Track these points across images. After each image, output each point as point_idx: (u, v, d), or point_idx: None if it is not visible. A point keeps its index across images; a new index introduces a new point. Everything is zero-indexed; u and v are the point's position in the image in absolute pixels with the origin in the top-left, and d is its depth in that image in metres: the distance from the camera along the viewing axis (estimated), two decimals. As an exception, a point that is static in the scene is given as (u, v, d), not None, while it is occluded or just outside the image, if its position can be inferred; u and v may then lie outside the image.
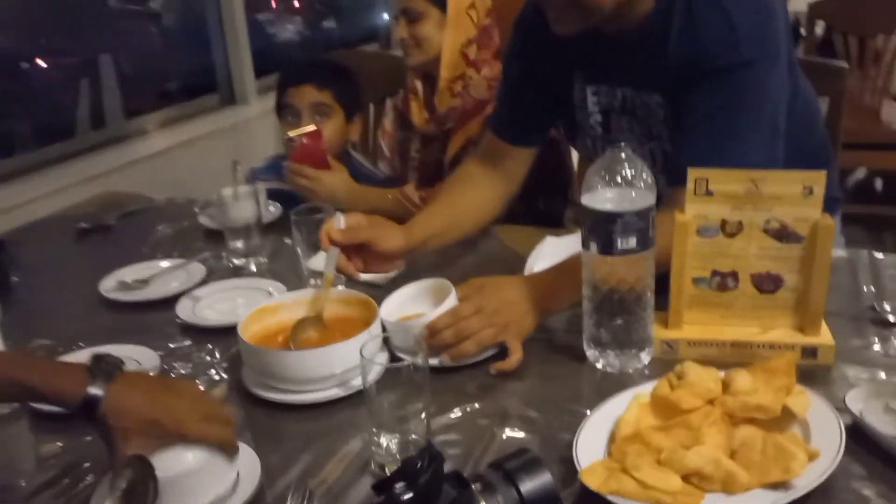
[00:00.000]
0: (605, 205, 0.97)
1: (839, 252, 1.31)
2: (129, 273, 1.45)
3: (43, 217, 1.86)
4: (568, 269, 1.11)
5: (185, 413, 0.82)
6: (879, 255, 1.33)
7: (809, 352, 1.03)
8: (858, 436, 0.87)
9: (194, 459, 0.83)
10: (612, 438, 0.87)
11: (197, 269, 1.45)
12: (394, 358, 1.05)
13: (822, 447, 0.82)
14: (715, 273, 1.05)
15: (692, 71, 1.12)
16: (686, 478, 0.80)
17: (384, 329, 1.08)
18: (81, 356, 1.16)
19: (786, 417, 0.86)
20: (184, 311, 1.29)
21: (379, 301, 1.12)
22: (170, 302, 1.33)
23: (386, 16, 4.00)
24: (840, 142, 1.63)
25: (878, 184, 3.62)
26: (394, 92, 1.96)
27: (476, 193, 1.38)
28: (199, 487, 0.83)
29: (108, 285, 1.41)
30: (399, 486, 0.70)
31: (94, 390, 0.79)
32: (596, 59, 1.25)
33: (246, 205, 1.47)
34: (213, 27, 3.00)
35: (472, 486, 0.73)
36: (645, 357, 1.05)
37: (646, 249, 0.98)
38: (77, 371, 0.81)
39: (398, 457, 0.89)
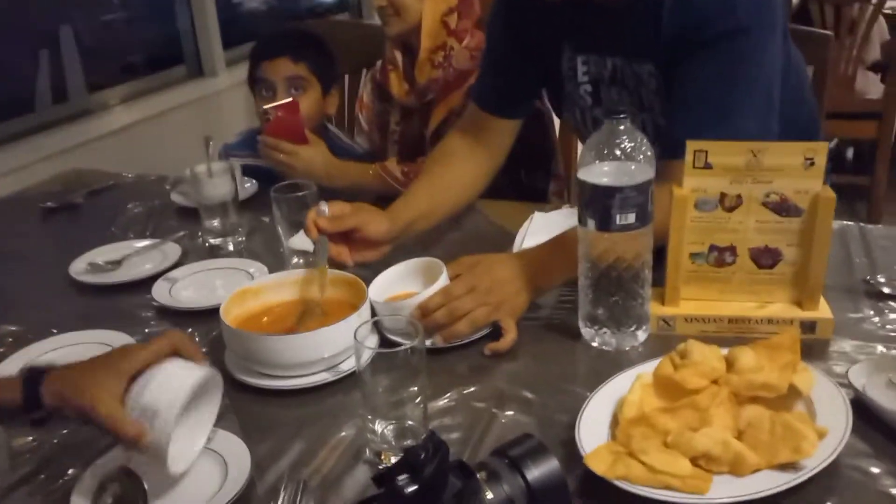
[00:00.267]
0: (603, 179, 0.94)
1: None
2: (100, 254, 1.39)
3: (5, 196, 1.78)
4: (562, 245, 1.08)
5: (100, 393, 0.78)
6: (869, 227, 1.32)
7: (808, 326, 1.01)
8: (861, 411, 0.85)
9: (183, 464, 0.79)
10: (614, 420, 0.85)
11: (172, 250, 1.39)
12: (383, 340, 1.02)
13: (829, 425, 0.81)
14: (713, 248, 1.02)
15: (687, 39, 1.09)
16: (693, 460, 0.78)
17: (373, 310, 1.04)
18: (55, 343, 1.11)
19: (791, 395, 0.84)
20: (160, 293, 1.24)
21: (366, 281, 1.08)
22: (144, 284, 1.28)
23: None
24: (823, 111, 1.62)
25: (850, 153, 3.65)
26: (370, 63, 1.90)
27: (460, 170, 1.34)
28: (188, 492, 0.79)
29: (78, 268, 1.35)
30: (402, 478, 0.67)
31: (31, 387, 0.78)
32: (585, 27, 1.21)
33: (221, 182, 1.41)
34: (179, -4, 2.90)
35: (477, 476, 0.70)
36: (641, 335, 1.03)
37: (645, 225, 0.95)
38: (12, 380, 0.81)
39: (394, 443, 0.86)
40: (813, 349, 0.99)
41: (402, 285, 1.11)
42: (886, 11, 3.25)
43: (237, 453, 0.86)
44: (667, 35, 1.11)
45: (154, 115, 2.64)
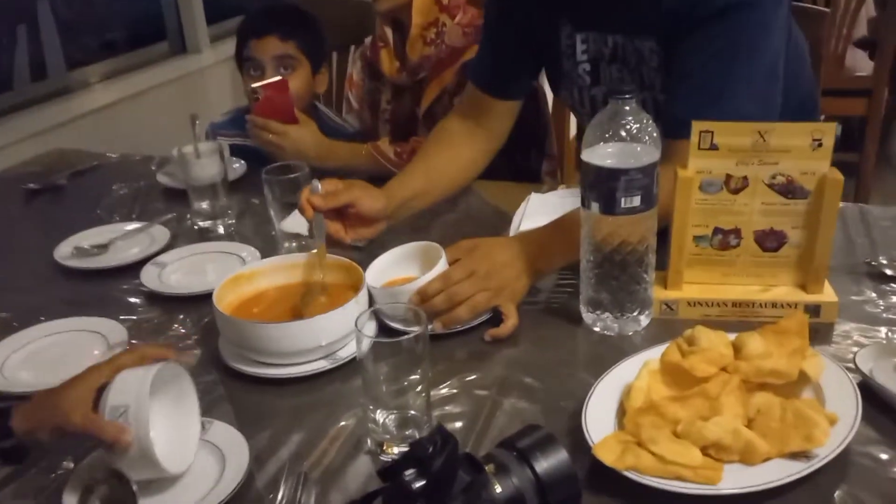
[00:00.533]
0: (608, 161, 0.91)
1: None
2: (86, 238, 1.35)
3: (-15, 177, 1.74)
4: (562, 228, 1.06)
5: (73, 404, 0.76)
6: (869, 207, 1.31)
7: (812, 310, 1.00)
8: (868, 396, 0.84)
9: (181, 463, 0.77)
10: (621, 408, 0.83)
11: (160, 233, 1.36)
12: (381, 326, 0.99)
13: (838, 411, 0.79)
14: (717, 231, 1.01)
15: (691, 12, 1.06)
16: (703, 449, 0.76)
17: (370, 295, 1.02)
18: (44, 330, 1.08)
19: (800, 381, 0.83)
20: (149, 278, 1.21)
21: (362, 266, 1.05)
22: (132, 269, 1.24)
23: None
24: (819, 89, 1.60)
25: (837, 130, 3.64)
26: (358, 39, 1.86)
27: (457, 151, 1.31)
28: (187, 486, 0.78)
29: (64, 252, 1.31)
30: (409, 473, 0.65)
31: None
32: (585, 4, 1.18)
33: (209, 162, 1.38)
34: (159, -30, 2.83)
35: (486, 469, 0.68)
36: (644, 319, 1.01)
37: (650, 208, 0.93)
38: None
39: (396, 433, 0.84)
40: (817, 333, 0.97)
41: (399, 270, 1.08)
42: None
43: (235, 445, 0.83)
44: (670, 9, 1.08)
45: (137, 93, 2.58)
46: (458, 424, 0.87)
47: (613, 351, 0.96)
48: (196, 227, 1.38)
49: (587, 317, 1.02)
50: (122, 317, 1.12)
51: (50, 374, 0.98)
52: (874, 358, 0.89)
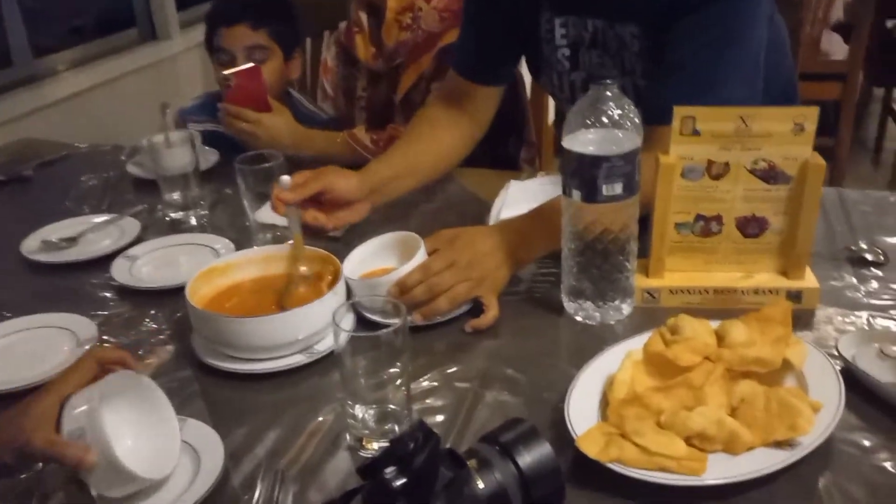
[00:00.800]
0: (589, 148, 0.90)
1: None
2: (54, 231, 1.32)
3: (-52, 169, 1.68)
4: (543, 216, 1.04)
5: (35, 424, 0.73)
6: (847, 191, 1.31)
7: (794, 296, 0.99)
8: (851, 383, 0.83)
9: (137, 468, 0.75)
10: (604, 400, 0.82)
11: (130, 225, 1.32)
12: (359, 318, 0.97)
13: (821, 398, 0.79)
14: (699, 217, 1.00)
15: (678, 2, 1.04)
16: (687, 439, 0.75)
17: (348, 287, 1.00)
18: (9, 327, 1.05)
19: (783, 369, 0.82)
20: (119, 272, 1.18)
21: (339, 256, 1.03)
22: (102, 262, 1.21)
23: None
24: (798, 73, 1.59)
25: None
26: (332, 24, 1.82)
27: (438, 136, 1.29)
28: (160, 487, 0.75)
29: (31, 245, 1.27)
30: (389, 470, 0.63)
31: None
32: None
33: (181, 151, 1.34)
34: (127, -46, 2.76)
35: (468, 464, 0.67)
36: (626, 308, 1.00)
37: (632, 195, 0.92)
38: None
39: (376, 428, 0.82)
40: (799, 319, 0.97)
41: (377, 261, 1.06)
42: (850, -29, 3.23)
43: (209, 443, 0.81)
44: None
45: (106, 81, 2.52)
46: (440, 418, 0.86)
47: (596, 340, 0.95)
48: (168, 219, 1.35)
49: (569, 306, 1.01)
50: (91, 312, 1.08)
51: (17, 373, 0.95)
52: (856, 344, 0.88)
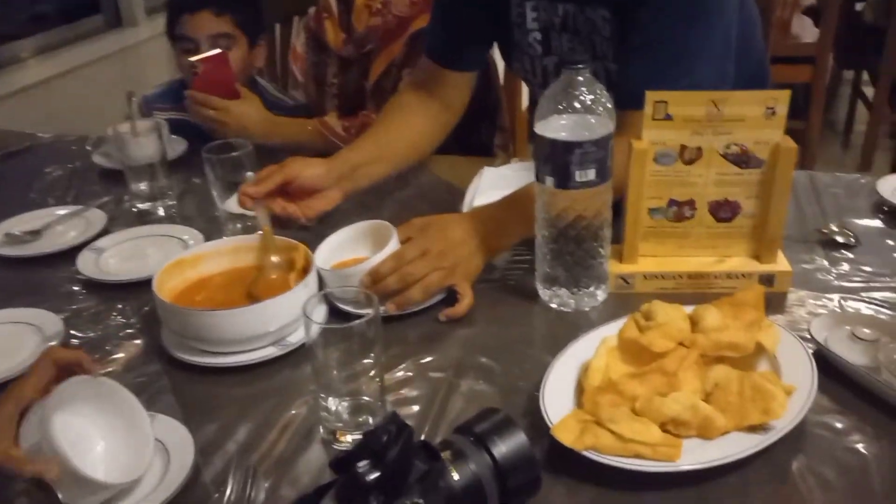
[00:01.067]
0: (561, 133, 0.89)
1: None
2: (17, 223, 1.28)
3: None
4: (516, 203, 1.03)
5: None
6: (818, 174, 1.31)
7: (766, 279, 0.99)
8: (823, 366, 0.84)
9: (109, 465, 0.73)
10: (579, 387, 0.81)
11: (96, 217, 1.29)
12: (332, 308, 0.96)
13: (794, 381, 0.79)
14: (672, 202, 0.99)
15: None
16: (661, 425, 0.75)
17: (320, 278, 0.98)
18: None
19: (756, 353, 0.83)
20: (85, 265, 1.15)
21: (310, 246, 1.01)
22: (68, 255, 1.18)
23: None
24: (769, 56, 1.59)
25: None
26: (302, 10, 1.80)
27: (411, 122, 1.27)
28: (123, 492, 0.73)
29: (-6, 239, 1.24)
30: (362, 464, 0.62)
31: None
32: (536, -29, 1.15)
33: (147, 141, 1.31)
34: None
35: (442, 456, 0.66)
36: (601, 294, 0.99)
37: (605, 181, 0.91)
38: None
39: (349, 420, 0.81)
40: (771, 302, 0.97)
41: (349, 251, 1.05)
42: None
43: (178, 439, 0.79)
44: None
45: (70, 70, 2.47)
46: (414, 409, 0.85)
47: (570, 328, 0.94)
48: (135, 210, 1.32)
49: (543, 293, 1.00)
50: (57, 307, 1.06)
51: (-20, 371, 0.92)
52: (828, 327, 0.89)
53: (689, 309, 0.87)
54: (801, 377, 0.80)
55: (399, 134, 1.26)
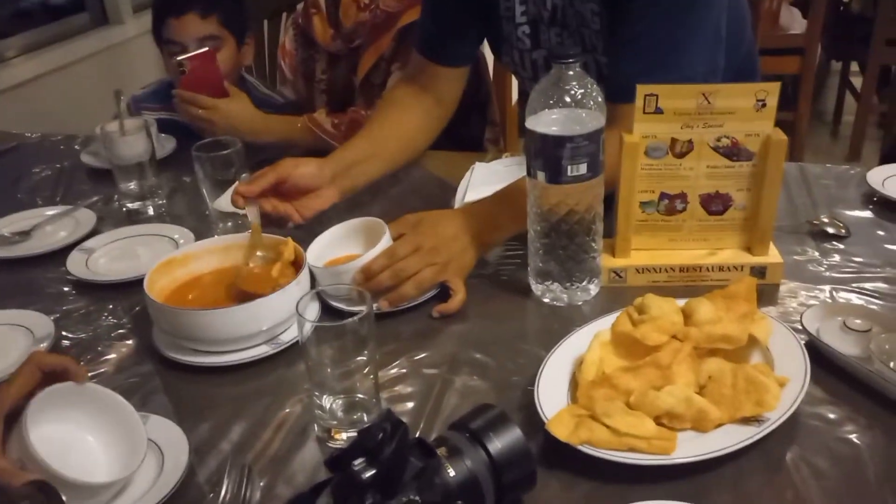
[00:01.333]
0: (552, 128, 0.89)
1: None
2: (6, 224, 1.28)
3: None
4: (508, 198, 1.03)
5: None
6: (809, 166, 1.32)
7: (758, 271, 1.00)
8: (816, 357, 0.84)
9: (110, 464, 0.73)
10: (574, 381, 0.81)
11: (86, 216, 1.29)
12: (325, 306, 0.96)
13: (787, 373, 0.79)
14: (663, 196, 0.99)
15: None
16: (656, 418, 0.75)
17: (312, 275, 0.98)
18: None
19: (749, 345, 0.83)
20: (75, 265, 1.14)
21: (302, 244, 1.01)
22: (58, 256, 1.18)
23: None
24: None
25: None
26: (290, 5, 1.79)
27: (404, 119, 1.27)
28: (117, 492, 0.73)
29: (-18, 240, 1.23)
30: (358, 462, 0.62)
31: None
32: (523, -35, 1.15)
33: (136, 140, 1.30)
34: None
35: (438, 453, 0.66)
36: (593, 288, 0.99)
37: (596, 175, 0.91)
38: None
39: (344, 418, 0.81)
40: (763, 294, 0.97)
41: (341, 248, 1.04)
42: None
43: (173, 439, 0.79)
44: None
45: (56, 68, 2.44)
46: (409, 405, 0.85)
47: (564, 322, 0.94)
48: (124, 209, 1.32)
49: (536, 288, 1.00)
50: (48, 308, 1.05)
51: (-30, 374, 0.92)
52: (820, 318, 0.89)
53: (681, 302, 0.87)
54: (793, 368, 0.80)
55: (393, 131, 1.25)
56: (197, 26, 1.53)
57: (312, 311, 0.93)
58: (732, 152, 0.96)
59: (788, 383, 0.78)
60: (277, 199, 1.07)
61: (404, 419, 0.73)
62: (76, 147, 1.59)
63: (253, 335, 0.91)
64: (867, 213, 1.17)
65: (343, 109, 1.52)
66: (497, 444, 0.67)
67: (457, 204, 1.18)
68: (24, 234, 1.24)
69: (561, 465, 0.74)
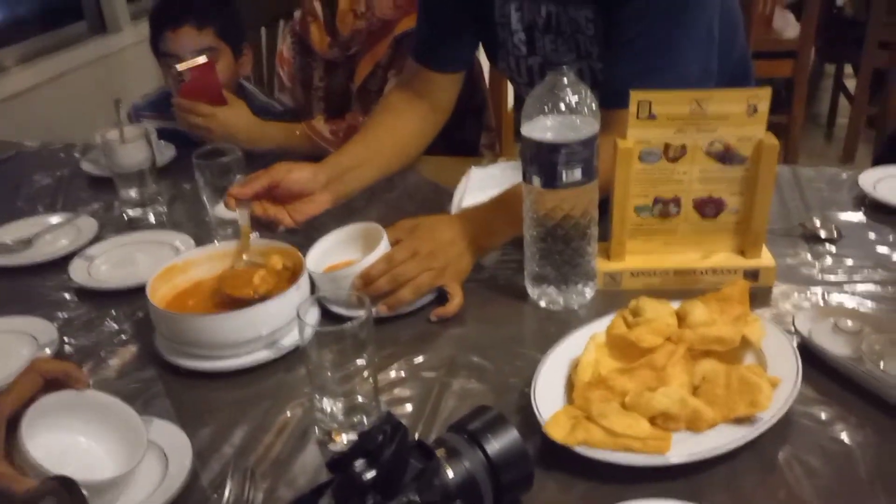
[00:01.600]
0: (547, 134, 0.90)
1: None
2: (8, 232, 1.29)
3: None
4: (504, 203, 1.04)
5: None
6: (802, 169, 1.33)
7: (751, 274, 1.01)
8: (808, 358, 0.86)
9: (113, 467, 0.74)
10: (570, 383, 0.83)
11: (87, 224, 1.30)
12: (324, 311, 0.97)
13: (779, 374, 0.81)
14: (657, 200, 1.01)
15: None
16: (651, 419, 0.77)
17: (311, 281, 0.99)
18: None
19: (742, 346, 0.84)
20: (77, 272, 1.16)
21: (302, 250, 1.02)
22: (60, 263, 1.19)
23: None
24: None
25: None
26: (287, 13, 1.80)
27: (399, 124, 1.28)
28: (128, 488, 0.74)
29: (-16, 248, 1.24)
30: (359, 463, 0.63)
31: None
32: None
33: (136, 147, 1.32)
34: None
35: (437, 454, 0.67)
36: (589, 292, 1.01)
37: (591, 180, 0.92)
38: None
39: (344, 421, 0.82)
40: (756, 296, 0.99)
41: (340, 253, 1.06)
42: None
43: (177, 443, 0.80)
44: None
45: (55, 77, 2.46)
46: (408, 408, 0.86)
47: (561, 325, 0.96)
48: (125, 217, 1.33)
49: (532, 291, 1.02)
50: (50, 315, 1.06)
51: (-26, 381, 0.93)
52: (812, 320, 0.90)
53: (675, 304, 0.88)
54: (786, 369, 0.81)
55: (388, 136, 1.27)
56: (193, 38, 1.54)
57: (312, 315, 0.94)
58: (725, 157, 0.97)
59: (781, 384, 0.79)
60: (270, 203, 1.07)
61: (403, 422, 0.74)
62: (76, 155, 1.60)
63: (254, 340, 0.92)
64: (859, 216, 1.18)
65: (341, 116, 1.54)
66: (495, 446, 0.68)
67: (453, 208, 1.20)
68: (26, 243, 1.25)
69: (558, 465, 0.75)
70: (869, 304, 0.97)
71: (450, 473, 0.66)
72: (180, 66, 1.47)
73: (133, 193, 1.32)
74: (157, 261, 1.12)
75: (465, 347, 0.95)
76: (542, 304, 1.01)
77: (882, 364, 0.82)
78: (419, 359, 0.93)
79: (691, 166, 0.98)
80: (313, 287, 1.00)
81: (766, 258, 1.02)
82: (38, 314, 1.05)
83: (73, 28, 2.72)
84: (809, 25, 2.90)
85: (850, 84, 3.50)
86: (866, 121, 3.07)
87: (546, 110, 0.91)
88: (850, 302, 0.98)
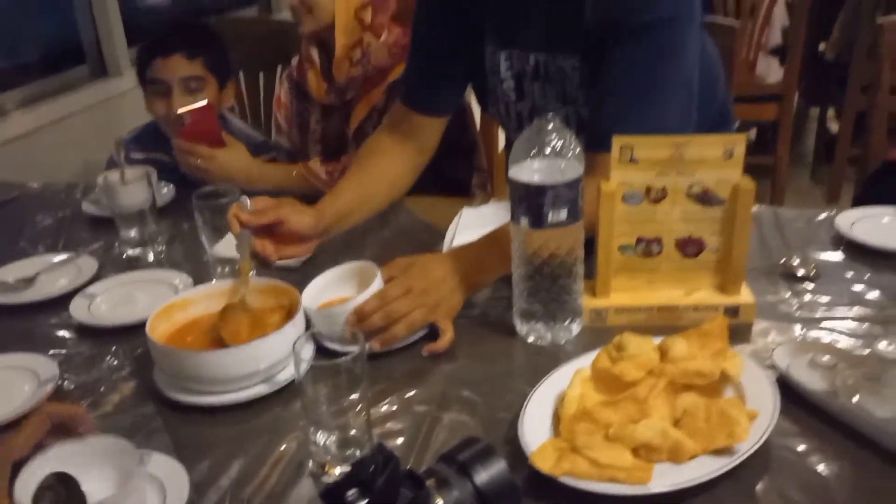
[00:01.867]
0: (534, 177, 0.94)
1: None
2: (10, 272, 1.32)
3: None
4: (495, 242, 1.08)
5: None
6: (781, 210, 1.38)
7: (731, 311, 1.05)
8: (786, 392, 0.89)
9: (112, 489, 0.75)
10: (556, 416, 0.86)
11: (87, 263, 1.33)
12: (319, 347, 1.00)
13: (758, 407, 0.84)
14: (640, 240, 1.05)
15: (610, 29, 1.10)
16: (634, 450, 0.79)
17: (307, 318, 1.02)
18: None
19: (722, 380, 0.87)
20: (78, 310, 1.18)
21: (298, 288, 1.06)
22: (61, 302, 1.22)
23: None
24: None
25: (752, 134, 3.81)
26: (285, 59, 1.86)
27: (388, 167, 1.32)
28: None
29: (-14, 287, 1.27)
30: (351, 493, 0.66)
31: None
32: (508, 23, 1.22)
33: (136, 188, 1.36)
34: (76, -10, 2.75)
35: (427, 484, 0.70)
36: (575, 328, 1.04)
37: (576, 221, 0.96)
38: None
39: (337, 454, 0.84)
40: (737, 333, 1.02)
41: (334, 290, 1.09)
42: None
43: (174, 476, 0.82)
44: (591, 27, 1.12)
45: (57, 120, 2.50)
46: (400, 441, 0.88)
47: (549, 360, 0.99)
48: (125, 256, 1.36)
49: (521, 328, 1.05)
50: (51, 352, 1.09)
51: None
52: (790, 355, 0.93)
53: (658, 340, 0.91)
54: (764, 403, 0.84)
55: (379, 178, 1.31)
56: (183, 67, 1.60)
57: (308, 351, 0.97)
58: (704, 198, 1.02)
59: (759, 416, 0.82)
60: (269, 239, 1.11)
61: (395, 453, 0.77)
62: (77, 195, 1.63)
63: (251, 375, 0.95)
64: (838, 255, 1.22)
65: (336, 158, 1.58)
66: (483, 476, 0.71)
67: (445, 247, 1.23)
68: (28, 282, 1.28)
69: (545, 496, 0.78)
70: (844, 340, 1.01)
71: (440, 503, 0.69)
72: (182, 110, 1.51)
73: (133, 233, 1.36)
74: (156, 299, 1.15)
75: (455, 382, 0.98)
76: (531, 339, 1.04)
77: (856, 398, 0.85)
78: (411, 393, 0.96)
79: (672, 207, 1.02)
80: (308, 323, 1.03)
81: (745, 295, 1.06)
82: (39, 351, 1.08)
83: (75, 72, 2.77)
84: (793, 70, 2.99)
85: (835, 126, 3.58)
86: (849, 161, 3.14)
87: (533, 154, 0.95)
88: (826, 338, 1.02)
